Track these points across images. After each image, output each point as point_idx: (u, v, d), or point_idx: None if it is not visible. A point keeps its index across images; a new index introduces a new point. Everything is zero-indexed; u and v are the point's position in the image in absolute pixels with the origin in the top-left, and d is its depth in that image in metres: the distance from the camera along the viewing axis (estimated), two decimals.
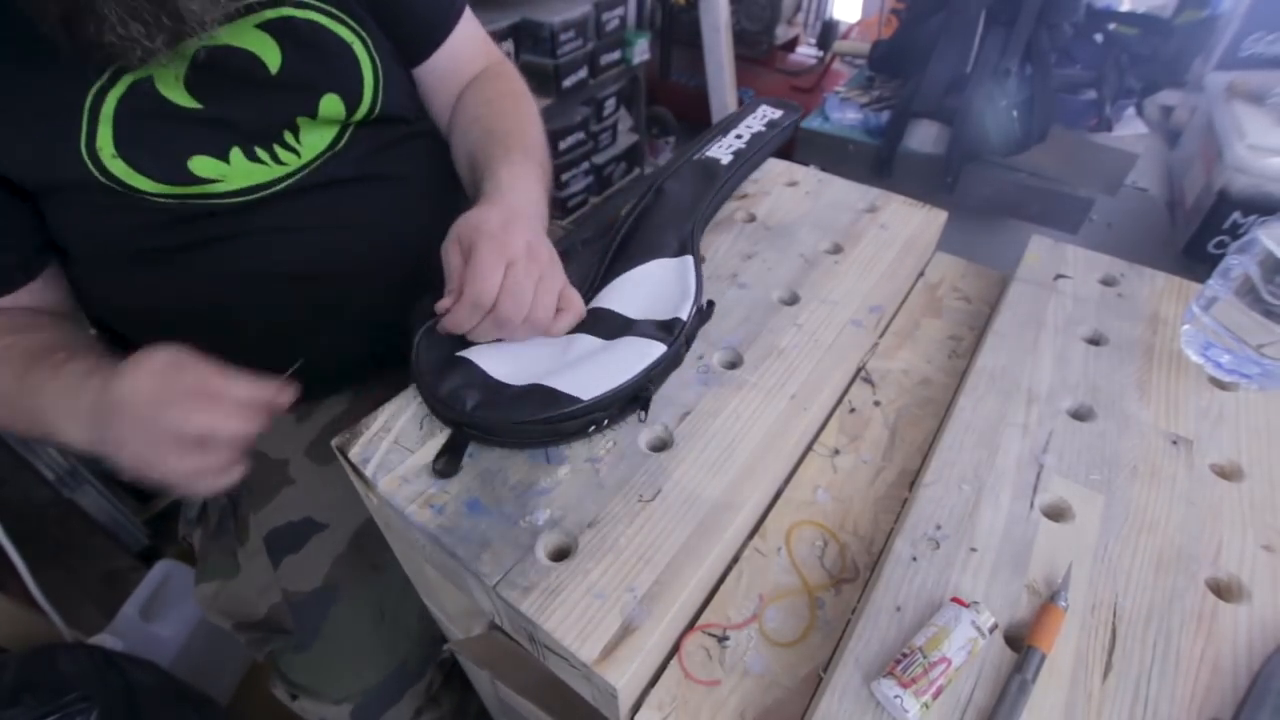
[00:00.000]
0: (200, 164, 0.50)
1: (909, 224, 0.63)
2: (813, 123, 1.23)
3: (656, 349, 0.45)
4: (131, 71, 0.46)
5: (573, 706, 0.50)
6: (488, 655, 0.55)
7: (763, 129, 0.73)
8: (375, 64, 0.55)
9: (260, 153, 0.52)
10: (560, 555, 0.37)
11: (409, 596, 0.58)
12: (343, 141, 0.56)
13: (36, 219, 0.49)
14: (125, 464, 0.40)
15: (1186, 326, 0.52)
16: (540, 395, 0.42)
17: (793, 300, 0.55)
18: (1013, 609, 0.36)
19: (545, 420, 0.41)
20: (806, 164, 0.76)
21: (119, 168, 0.47)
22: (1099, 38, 1.05)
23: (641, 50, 1.86)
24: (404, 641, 0.60)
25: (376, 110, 0.56)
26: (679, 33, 2.15)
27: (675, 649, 0.38)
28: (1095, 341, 0.53)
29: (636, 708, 0.36)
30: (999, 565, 0.38)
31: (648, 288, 0.52)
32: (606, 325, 0.48)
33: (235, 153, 0.51)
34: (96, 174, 0.47)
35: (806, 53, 2.25)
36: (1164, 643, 0.35)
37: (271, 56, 0.50)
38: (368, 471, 0.41)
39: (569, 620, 0.34)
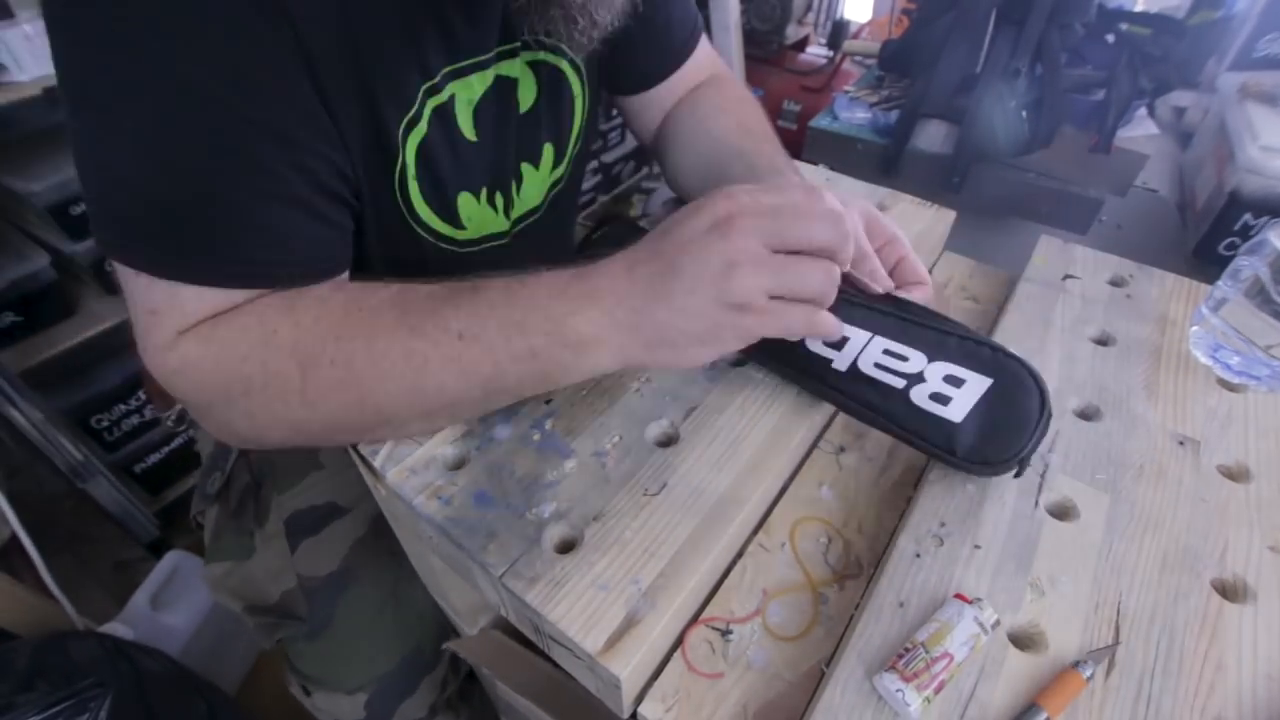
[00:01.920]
0: (463, 201, 0.48)
1: (917, 223, 0.63)
2: (821, 122, 1.22)
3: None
4: (437, 95, 0.43)
5: (572, 706, 0.50)
6: (487, 655, 0.56)
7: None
8: (585, 115, 0.54)
9: (497, 197, 0.51)
10: (566, 547, 0.38)
11: (420, 581, 0.58)
12: (545, 204, 0.55)
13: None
14: (732, 306, 0.34)
15: (1195, 328, 0.52)
16: None
17: None
18: (1016, 606, 0.36)
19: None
20: (815, 163, 0.76)
21: (414, 190, 0.45)
22: (1110, 38, 1.04)
23: None
24: (417, 626, 0.60)
25: (566, 166, 0.55)
26: None
27: (679, 642, 0.38)
28: (1103, 342, 0.53)
29: (640, 699, 0.36)
30: (1003, 563, 0.38)
31: None
32: None
33: (483, 192, 0.49)
34: (398, 192, 0.44)
35: (816, 52, 2.24)
36: (1168, 642, 0.35)
37: (527, 95, 0.48)
38: (376, 462, 0.42)
39: (574, 611, 0.34)
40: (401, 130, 0.42)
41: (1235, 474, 0.43)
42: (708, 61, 0.63)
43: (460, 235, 0.50)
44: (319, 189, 0.39)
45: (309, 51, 0.36)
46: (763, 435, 0.44)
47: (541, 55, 0.49)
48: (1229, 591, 0.37)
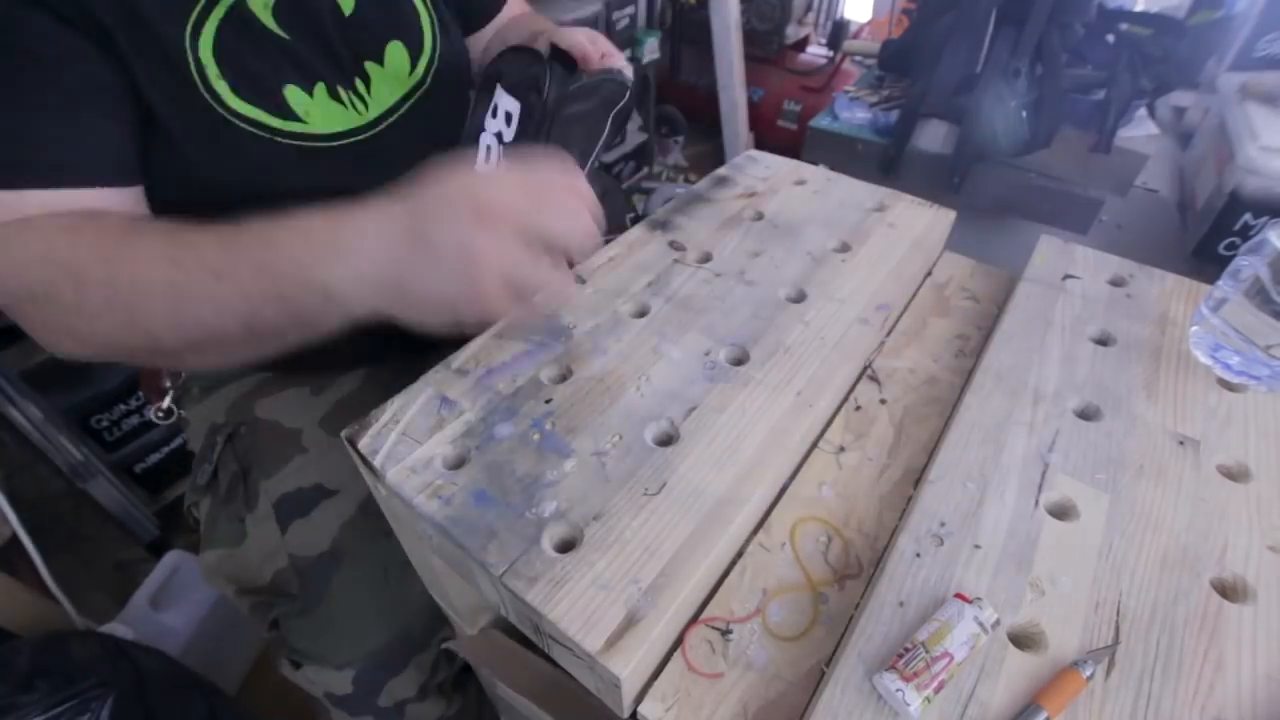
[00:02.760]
0: (292, 93, 0.52)
1: (917, 223, 0.63)
2: (821, 122, 1.22)
3: None
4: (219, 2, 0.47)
5: (572, 706, 0.50)
6: (487, 654, 0.56)
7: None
8: (433, 20, 0.62)
9: (341, 92, 0.55)
10: (566, 547, 0.38)
11: (414, 567, 0.59)
12: (406, 105, 0.60)
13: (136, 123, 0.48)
14: (470, 294, 0.35)
15: (1195, 328, 0.52)
16: None
17: (800, 298, 0.55)
18: (1016, 606, 0.36)
19: None
20: (815, 162, 0.76)
21: (223, 89, 0.48)
22: (1111, 38, 1.04)
23: (651, 49, 1.87)
24: (408, 606, 0.60)
25: (435, 63, 0.61)
26: (689, 32, 2.15)
27: (679, 641, 0.38)
28: (1103, 342, 0.53)
29: (640, 699, 0.36)
30: (1003, 562, 0.38)
31: None
32: None
33: (320, 87, 0.53)
34: (205, 95, 0.48)
35: (817, 52, 2.24)
36: (1167, 642, 0.35)
37: (346, 2, 0.54)
38: (376, 462, 0.42)
39: (574, 611, 0.34)
40: (188, 37, 0.46)
41: (1235, 474, 0.43)
42: (520, 9, 0.77)
43: (304, 129, 0.52)
44: (72, 97, 0.43)
45: None
46: (762, 435, 0.44)
47: None
48: (1229, 591, 0.37)
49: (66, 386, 1.05)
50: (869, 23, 2.23)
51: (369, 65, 0.57)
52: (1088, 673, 0.32)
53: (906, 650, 0.33)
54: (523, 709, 0.56)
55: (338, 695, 0.59)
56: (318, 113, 0.54)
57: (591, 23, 1.62)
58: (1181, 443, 0.45)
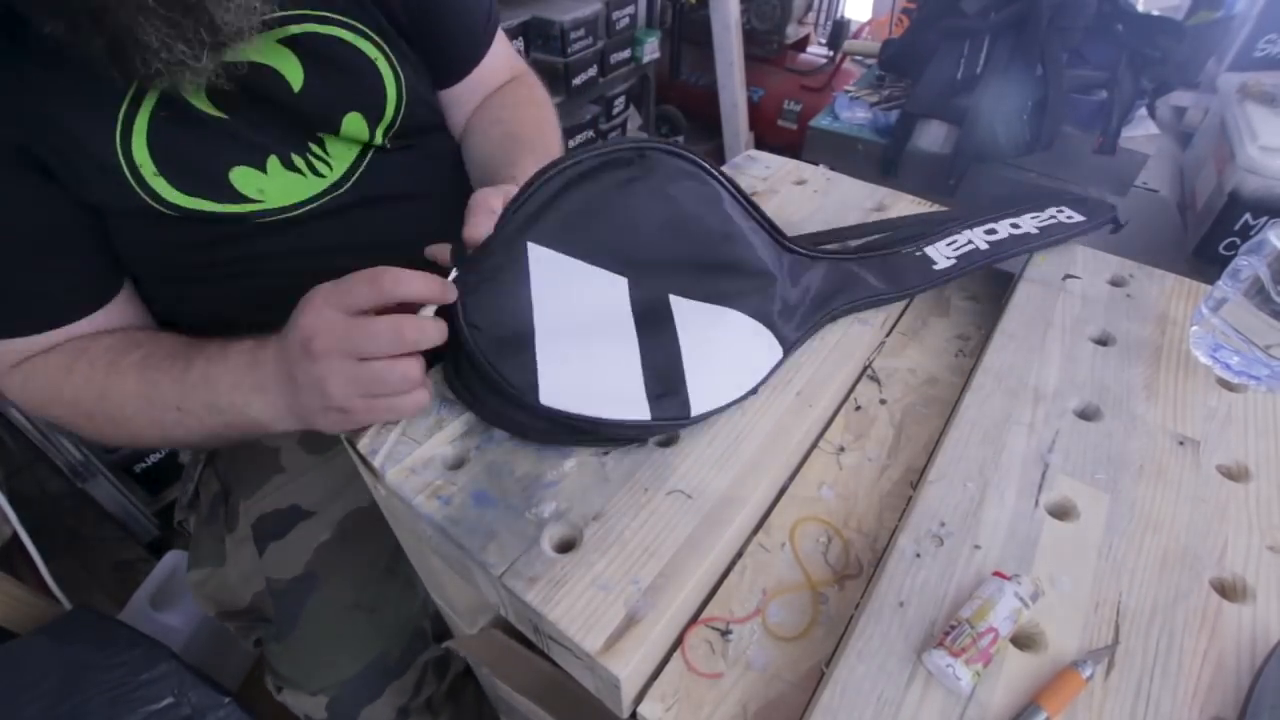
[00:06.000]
0: (240, 176, 0.50)
1: None
2: (822, 121, 1.22)
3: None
4: (156, 86, 0.45)
5: (573, 706, 0.50)
6: (487, 654, 0.56)
7: (1035, 230, 0.61)
8: (399, 78, 0.56)
9: (297, 160, 0.52)
10: (565, 547, 0.38)
11: (391, 589, 0.58)
12: (365, 162, 0.57)
13: (105, 238, 0.50)
14: (334, 409, 0.40)
15: (1195, 328, 0.52)
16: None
17: None
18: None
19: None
20: (815, 162, 0.76)
21: (161, 186, 0.47)
22: (1110, 39, 1.04)
23: (651, 49, 1.87)
24: (383, 633, 0.60)
25: (398, 124, 0.57)
26: (689, 32, 2.15)
27: (678, 641, 0.38)
28: (1103, 342, 0.53)
29: (639, 699, 0.36)
30: (1003, 563, 0.38)
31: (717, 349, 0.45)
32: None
33: (272, 161, 0.51)
34: (143, 195, 0.47)
35: (817, 52, 2.24)
36: (1167, 641, 0.35)
37: (294, 74, 0.50)
38: (376, 462, 0.42)
39: (573, 611, 0.34)
40: (118, 138, 0.46)
41: (1235, 474, 0.43)
42: (506, 64, 0.68)
43: (260, 207, 0.52)
44: (39, 245, 0.47)
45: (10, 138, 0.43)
46: (762, 435, 0.44)
47: (299, 28, 0.50)
48: (1228, 591, 0.37)
49: None
50: (869, 23, 2.23)
51: (325, 136, 0.54)
52: (1087, 673, 0.32)
53: (952, 628, 0.33)
54: (523, 709, 0.56)
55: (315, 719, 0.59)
56: (274, 187, 0.52)
57: (591, 23, 1.62)
58: (1181, 443, 0.45)
